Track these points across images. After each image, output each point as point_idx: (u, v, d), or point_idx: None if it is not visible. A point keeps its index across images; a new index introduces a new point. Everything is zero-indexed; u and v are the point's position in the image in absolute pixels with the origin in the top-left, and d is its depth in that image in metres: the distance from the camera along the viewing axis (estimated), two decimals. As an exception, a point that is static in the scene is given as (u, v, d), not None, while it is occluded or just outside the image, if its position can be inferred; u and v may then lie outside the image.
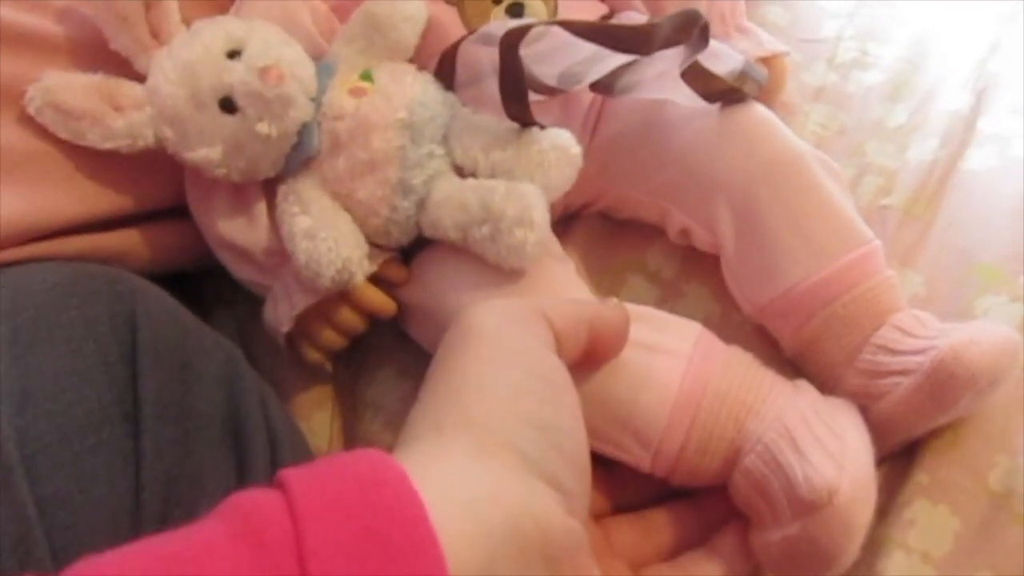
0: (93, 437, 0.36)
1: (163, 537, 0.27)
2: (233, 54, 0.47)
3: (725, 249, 0.51)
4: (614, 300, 0.43)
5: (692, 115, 0.52)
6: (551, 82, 0.47)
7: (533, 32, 0.45)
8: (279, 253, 0.49)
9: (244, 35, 0.47)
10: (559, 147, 0.46)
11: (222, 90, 0.46)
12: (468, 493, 0.29)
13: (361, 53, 0.50)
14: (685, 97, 0.50)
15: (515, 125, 0.47)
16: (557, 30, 0.48)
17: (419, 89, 0.48)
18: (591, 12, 0.57)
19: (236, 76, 0.45)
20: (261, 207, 0.50)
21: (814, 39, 0.66)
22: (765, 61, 0.57)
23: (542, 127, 0.47)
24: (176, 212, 0.53)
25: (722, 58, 0.52)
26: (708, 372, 0.45)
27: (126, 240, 0.52)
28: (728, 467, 0.44)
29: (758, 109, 0.51)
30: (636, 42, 0.46)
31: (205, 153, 0.46)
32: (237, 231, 0.50)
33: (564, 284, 0.49)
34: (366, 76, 0.49)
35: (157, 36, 0.48)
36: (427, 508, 0.27)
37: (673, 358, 0.45)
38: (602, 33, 0.47)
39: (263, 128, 0.46)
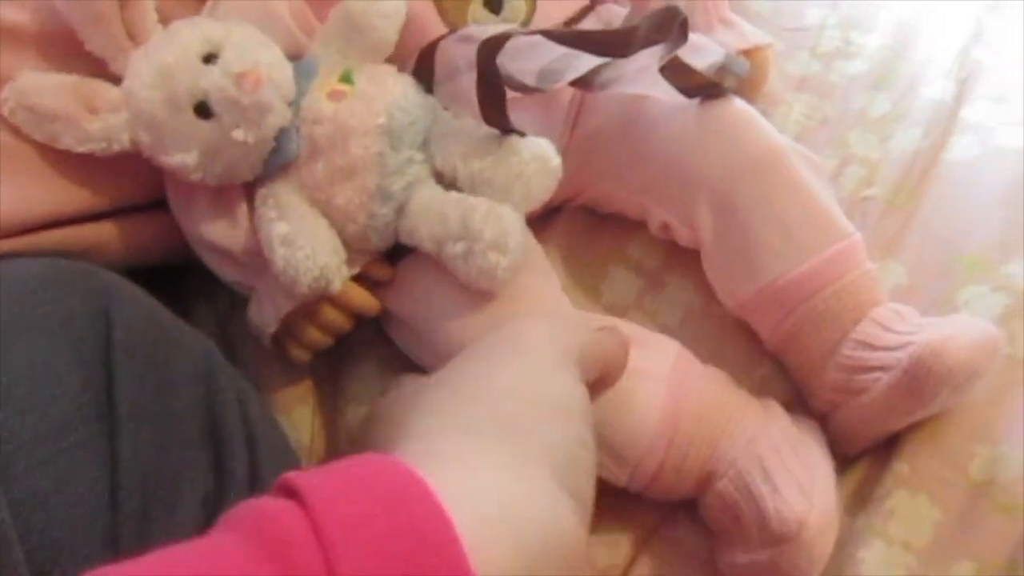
0: (69, 437, 0.36)
1: (179, 552, 0.26)
2: (210, 58, 0.46)
3: (705, 244, 0.51)
4: (614, 327, 0.44)
5: (672, 111, 0.52)
6: (530, 80, 0.47)
7: (511, 42, 0.45)
8: (262, 254, 0.49)
9: (221, 38, 0.46)
10: (539, 158, 0.46)
11: (198, 95, 0.45)
12: (500, 508, 0.29)
13: (340, 53, 0.49)
14: (665, 92, 0.50)
15: (495, 132, 0.47)
16: None
17: (399, 92, 0.48)
18: (571, 5, 0.56)
19: (212, 81, 0.45)
20: (243, 209, 0.50)
21: (797, 28, 0.66)
22: (748, 53, 0.56)
23: (522, 135, 0.47)
24: (153, 204, 0.52)
25: (702, 52, 0.52)
26: (686, 393, 0.46)
27: (102, 233, 0.51)
28: (700, 485, 0.46)
29: (737, 104, 0.51)
30: (615, 46, 0.46)
31: (181, 158, 0.46)
32: (219, 233, 0.50)
33: (546, 300, 0.50)
34: (346, 77, 0.48)
35: (133, 37, 0.47)
36: (456, 529, 0.27)
37: (653, 381, 0.46)
38: (581, 39, 0.47)
39: (239, 135, 0.45)
